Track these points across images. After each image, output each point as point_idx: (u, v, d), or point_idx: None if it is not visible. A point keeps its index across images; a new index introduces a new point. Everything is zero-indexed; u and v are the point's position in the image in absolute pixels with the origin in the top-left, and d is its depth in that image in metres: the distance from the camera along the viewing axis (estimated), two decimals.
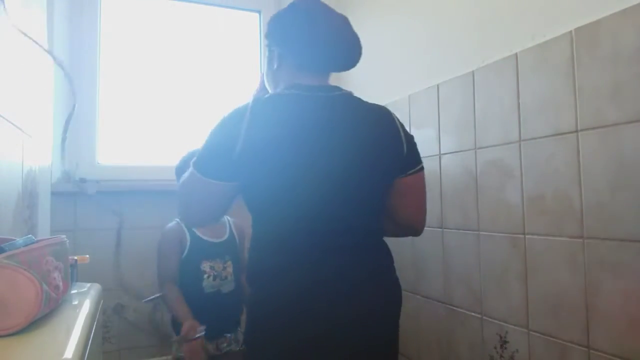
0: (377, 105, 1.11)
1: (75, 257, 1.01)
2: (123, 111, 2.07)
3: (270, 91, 1.14)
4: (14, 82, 1.03)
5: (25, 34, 1.02)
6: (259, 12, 2.35)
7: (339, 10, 1.11)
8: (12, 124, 1.00)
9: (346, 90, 1.08)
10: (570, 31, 1.08)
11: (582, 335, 1.06)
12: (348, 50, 1.07)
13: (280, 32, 1.07)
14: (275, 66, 1.09)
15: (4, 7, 0.95)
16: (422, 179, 1.12)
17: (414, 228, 1.17)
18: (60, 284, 0.72)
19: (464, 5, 1.44)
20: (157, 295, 1.41)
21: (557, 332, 1.12)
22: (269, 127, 0.97)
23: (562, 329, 1.10)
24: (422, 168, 1.11)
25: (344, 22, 1.08)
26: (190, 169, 1.02)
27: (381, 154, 1.03)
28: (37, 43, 1.15)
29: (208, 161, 1.00)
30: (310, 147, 0.97)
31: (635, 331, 0.95)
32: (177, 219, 1.67)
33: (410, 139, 1.10)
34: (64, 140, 1.11)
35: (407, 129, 1.69)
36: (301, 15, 1.05)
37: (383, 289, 1.02)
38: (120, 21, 2.09)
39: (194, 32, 2.22)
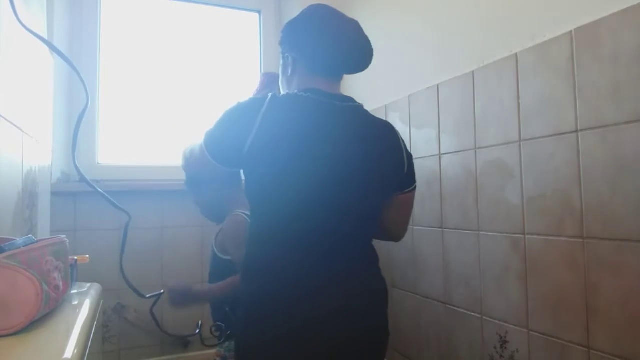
0: (384, 121, 1.16)
1: (75, 257, 1.01)
2: (123, 111, 2.07)
3: None
4: (14, 81, 1.03)
5: (35, 34, 1.01)
6: (259, 12, 2.35)
7: (339, 10, 1.12)
8: (12, 124, 1.00)
9: (358, 103, 1.12)
10: (570, 31, 1.08)
11: (582, 335, 1.06)
12: (359, 55, 1.11)
13: (294, 39, 1.11)
14: (289, 72, 1.13)
15: (14, 6, 0.95)
16: (414, 196, 1.19)
17: (397, 237, 1.25)
18: (60, 284, 0.72)
19: (464, 5, 1.44)
20: (161, 292, 1.37)
21: (557, 332, 1.12)
22: (282, 125, 1.00)
23: (562, 329, 1.10)
24: (416, 187, 1.18)
25: (355, 26, 1.11)
26: (201, 143, 1.06)
27: (383, 170, 1.07)
28: (50, 44, 1.14)
29: (218, 144, 1.03)
30: (317, 151, 1.00)
31: (635, 331, 0.95)
32: (244, 212, 1.46)
33: (410, 158, 1.15)
34: (75, 139, 1.12)
35: (407, 129, 1.71)
36: (314, 22, 1.09)
37: (360, 292, 1.02)
38: (121, 21, 2.09)
39: (194, 32, 2.22)
